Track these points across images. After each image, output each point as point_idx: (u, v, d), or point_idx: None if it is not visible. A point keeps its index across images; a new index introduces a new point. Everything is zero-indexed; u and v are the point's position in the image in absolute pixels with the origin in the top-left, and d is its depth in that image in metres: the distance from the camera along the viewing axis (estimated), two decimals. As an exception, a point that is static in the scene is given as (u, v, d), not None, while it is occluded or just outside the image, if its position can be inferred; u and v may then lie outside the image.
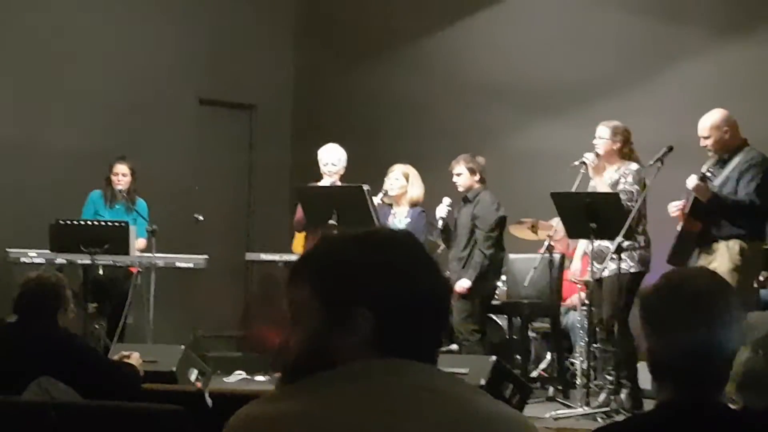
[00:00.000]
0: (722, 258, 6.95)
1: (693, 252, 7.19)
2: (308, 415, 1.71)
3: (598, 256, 7.41)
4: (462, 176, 8.40)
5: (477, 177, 8.41)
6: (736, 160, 7.12)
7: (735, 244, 7.00)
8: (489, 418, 1.75)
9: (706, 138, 7.15)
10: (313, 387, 1.74)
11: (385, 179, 8.65)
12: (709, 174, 7.11)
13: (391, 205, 8.66)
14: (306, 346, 1.79)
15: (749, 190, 7.01)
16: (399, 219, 8.55)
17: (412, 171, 8.65)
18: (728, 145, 7.14)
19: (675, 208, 7.19)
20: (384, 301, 1.77)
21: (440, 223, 8.46)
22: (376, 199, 8.40)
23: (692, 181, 7.03)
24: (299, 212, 8.69)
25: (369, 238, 1.85)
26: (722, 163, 7.17)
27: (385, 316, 1.77)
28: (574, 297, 8.97)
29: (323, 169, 8.74)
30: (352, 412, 1.70)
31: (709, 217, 7.04)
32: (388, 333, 1.77)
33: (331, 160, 8.73)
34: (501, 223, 8.46)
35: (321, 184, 8.72)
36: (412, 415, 1.70)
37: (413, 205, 8.59)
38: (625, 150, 7.51)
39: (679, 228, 7.22)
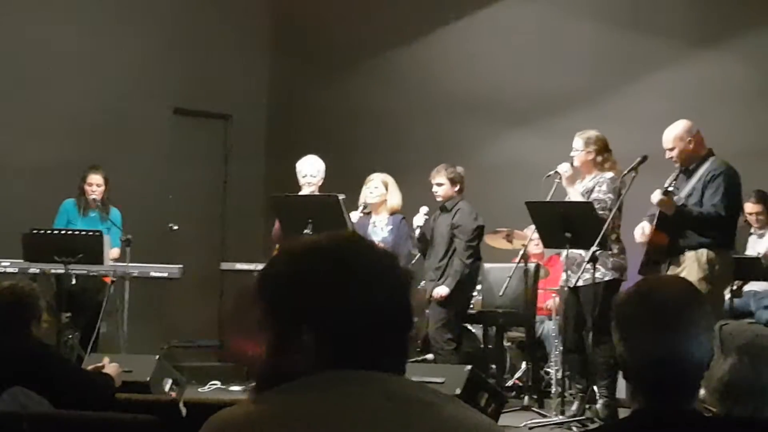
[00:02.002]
0: (690, 268, 6.97)
1: (662, 263, 7.21)
2: (266, 421, 1.72)
3: (571, 264, 7.44)
4: (443, 186, 8.41)
5: (457, 187, 8.42)
6: (701, 171, 7.15)
7: (703, 254, 7.02)
8: (457, 425, 1.74)
9: (670, 150, 7.19)
10: (275, 395, 1.76)
11: (363, 188, 8.63)
12: (672, 188, 7.14)
13: (369, 214, 8.64)
14: (266, 360, 1.81)
15: (714, 201, 7.03)
16: (380, 227, 8.52)
17: (390, 179, 8.64)
18: (693, 156, 7.17)
19: (641, 235, 7.21)
20: (329, 317, 1.77)
21: (417, 232, 8.47)
22: (356, 215, 8.41)
23: (656, 196, 7.06)
24: (277, 225, 8.69)
25: (318, 251, 1.83)
26: (688, 173, 7.20)
27: (333, 332, 1.77)
28: (549, 302, 9.01)
29: (302, 180, 8.74)
30: (309, 420, 1.71)
31: (675, 229, 7.08)
32: (339, 347, 1.77)
33: (310, 171, 8.72)
34: (479, 233, 8.47)
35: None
36: (373, 424, 1.71)
37: (392, 213, 8.58)
38: (600, 159, 7.54)
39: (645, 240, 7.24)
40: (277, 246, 8.85)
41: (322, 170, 8.76)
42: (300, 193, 8.72)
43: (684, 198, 7.11)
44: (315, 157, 8.82)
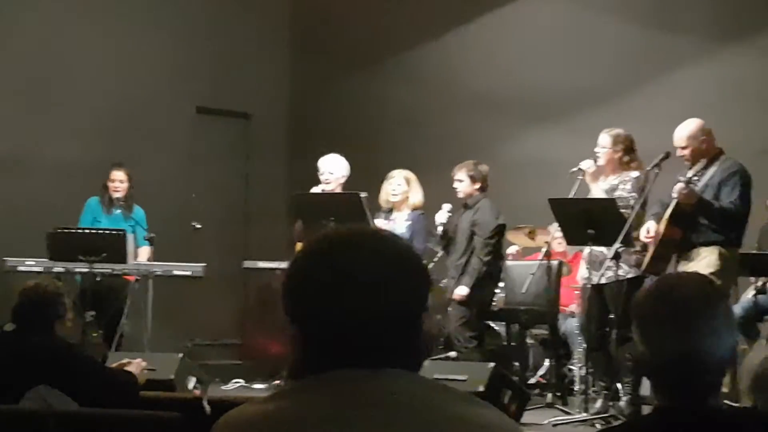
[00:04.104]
0: (701, 264, 6.97)
1: (671, 259, 7.21)
2: (271, 421, 1.75)
3: (594, 262, 7.43)
4: (463, 183, 8.40)
5: (477, 185, 8.40)
6: (713, 169, 7.16)
7: (714, 250, 7.03)
8: (464, 425, 1.73)
9: (683, 148, 7.19)
10: (282, 394, 1.79)
11: (385, 184, 8.61)
12: (696, 179, 7.15)
13: (390, 211, 8.64)
14: (289, 356, 1.84)
15: (732, 198, 7.04)
16: (399, 223, 8.52)
17: (412, 176, 8.63)
18: (704, 155, 7.18)
19: (646, 235, 7.20)
20: (321, 316, 1.78)
21: (440, 229, 8.46)
22: (380, 222, 8.42)
23: (680, 186, 7.05)
24: (299, 223, 8.71)
25: (315, 249, 1.84)
26: (700, 172, 7.20)
27: (327, 330, 1.78)
28: (573, 306, 8.98)
29: (321, 178, 8.75)
30: (310, 421, 1.73)
31: (689, 224, 7.07)
32: (338, 345, 1.77)
33: (328, 169, 8.73)
34: (500, 231, 8.45)
35: (313, 190, 8.72)
36: (374, 424, 1.71)
37: (414, 209, 8.57)
38: (627, 158, 7.50)
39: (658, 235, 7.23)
40: (298, 243, 8.89)
41: (342, 168, 8.73)
42: (312, 190, 8.71)
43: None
44: (336, 155, 8.81)
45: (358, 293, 1.77)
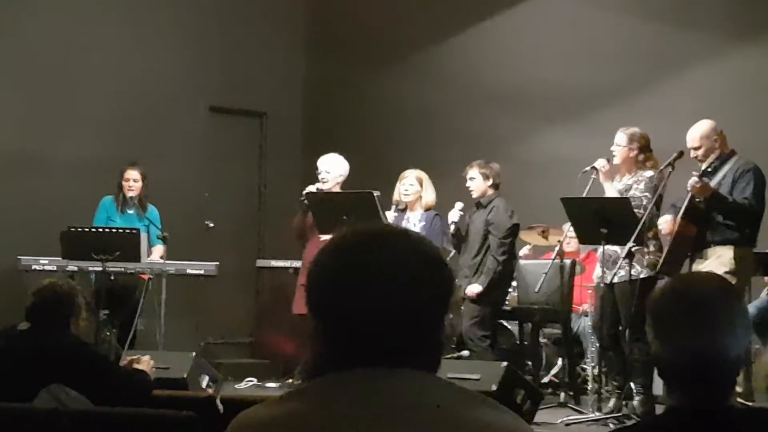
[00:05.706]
0: (715, 262, 6.96)
1: (686, 257, 7.21)
2: (287, 423, 1.74)
3: (607, 261, 7.42)
4: (475, 181, 8.40)
5: (490, 182, 8.40)
6: (726, 168, 7.18)
7: (728, 249, 7.03)
8: (478, 429, 1.72)
9: (696, 149, 7.20)
10: (298, 395, 1.78)
11: (398, 184, 8.63)
12: (709, 171, 7.15)
13: (404, 210, 8.64)
14: (310, 354, 1.83)
15: (746, 194, 7.06)
16: (413, 223, 8.52)
17: (424, 176, 8.64)
18: (717, 154, 7.18)
19: (665, 223, 7.22)
20: (341, 314, 1.77)
21: (452, 227, 8.46)
22: (391, 214, 8.42)
23: (694, 180, 7.06)
24: (299, 216, 8.77)
25: (346, 247, 1.82)
26: (712, 165, 7.21)
27: (348, 328, 1.77)
28: (585, 306, 8.96)
29: (318, 176, 8.81)
30: (325, 423, 1.72)
31: (704, 221, 7.07)
32: (357, 344, 1.76)
33: (324, 168, 8.80)
34: (515, 231, 8.46)
35: (308, 189, 8.74)
36: (389, 427, 1.70)
37: (427, 209, 8.58)
38: (642, 157, 7.49)
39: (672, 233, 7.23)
40: (300, 239, 8.94)
41: (340, 168, 8.77)
42: (308, 189, 8.72)
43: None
44: (335, 155, 8.85)
45: (381, 291, 1.75)
